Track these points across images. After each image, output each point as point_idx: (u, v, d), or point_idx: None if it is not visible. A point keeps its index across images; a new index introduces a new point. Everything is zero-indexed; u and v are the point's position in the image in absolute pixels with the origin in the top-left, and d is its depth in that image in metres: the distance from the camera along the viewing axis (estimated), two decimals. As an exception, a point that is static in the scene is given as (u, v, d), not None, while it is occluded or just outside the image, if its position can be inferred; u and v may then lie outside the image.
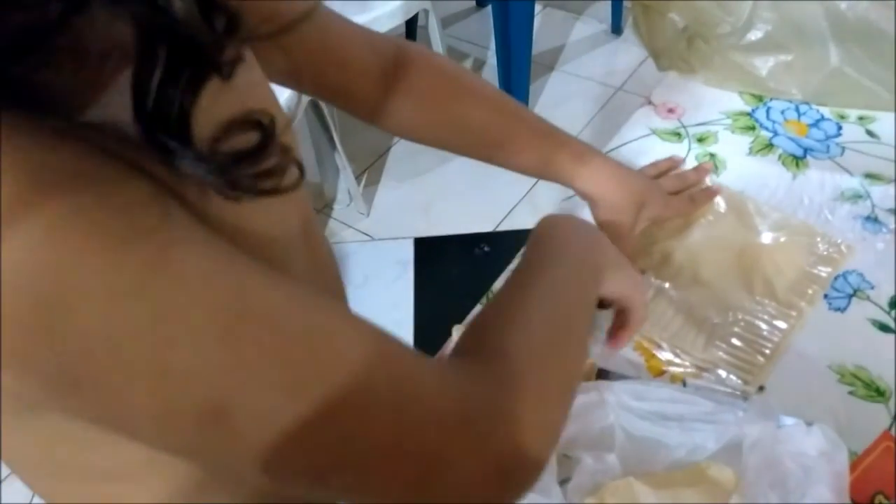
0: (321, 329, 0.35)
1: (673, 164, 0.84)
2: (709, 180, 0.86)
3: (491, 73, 2.31)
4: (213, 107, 0.31)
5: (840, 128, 0.91)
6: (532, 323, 0.46)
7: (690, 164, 0.89)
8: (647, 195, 0.73)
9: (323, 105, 1.73)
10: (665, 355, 0.71)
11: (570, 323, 0.49)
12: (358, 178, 2.08)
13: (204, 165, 0.31)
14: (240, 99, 0.34)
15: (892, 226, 0.79)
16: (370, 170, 2.14)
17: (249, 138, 0.33)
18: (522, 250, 0.57)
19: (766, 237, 0.80)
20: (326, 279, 0.57)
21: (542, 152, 0.71)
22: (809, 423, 0.59)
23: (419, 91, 0.68)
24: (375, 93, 0.67)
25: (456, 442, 0.37)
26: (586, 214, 0.75)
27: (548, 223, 0.58)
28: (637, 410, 0.63)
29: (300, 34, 0.55)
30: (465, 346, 0.46)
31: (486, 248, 1.91)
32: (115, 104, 0.31)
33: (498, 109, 0.71)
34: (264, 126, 0.33)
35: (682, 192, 0.81)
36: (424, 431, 0.36)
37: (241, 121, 0.32)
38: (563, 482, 0.60)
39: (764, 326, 0.72)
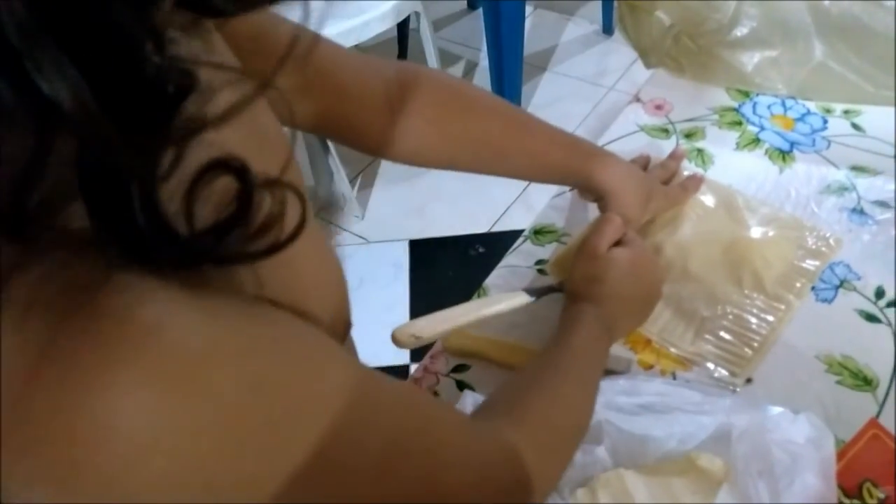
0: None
1: (646, 159, 0.84)
2: (687, 171, 0.87)
3: (483, 75, 2.32)
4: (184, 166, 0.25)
5: (826, 122, 0.92)
6: (557, 398, 0.55)
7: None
8: (652, 189, 0.76)
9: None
10: (654, 348, 0.72)
11: (586, 394, 0.58)
12: (352, 181, 2.09)
13: (186, 252, 0.26)
14: (210, 149, 0.28)
15: (878, 217, 0.80)
16: (364, 173, 2.15)
17: (227, 189, 0.27)
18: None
19: (756, 231, 0.80)
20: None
21: (556, 156, 0.72)
22: (796, 412, 0.60)
23: (426, 110, 0.67)
24: (382, 121, 0.65)
25: (499, 495, 0.42)
26: (581, 209, 0.76)
27: (571, 314, 0.64)
28: (626, 406, 0.63)
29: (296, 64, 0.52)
30: (497, 409, 0.53)
31: (480, 249, 1.92)
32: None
33: (507, 119, 0.71)
34: (240, 172, 0.26)
35: (671, 181, 0.82)
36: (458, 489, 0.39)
37: (207, 172, 0.26)
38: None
39: (752, 320, 0.73)
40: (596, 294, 0.65)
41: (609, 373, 0.67)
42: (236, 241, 0.27)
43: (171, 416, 0.24)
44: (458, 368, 0.74)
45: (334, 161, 1.88)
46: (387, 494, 0.34)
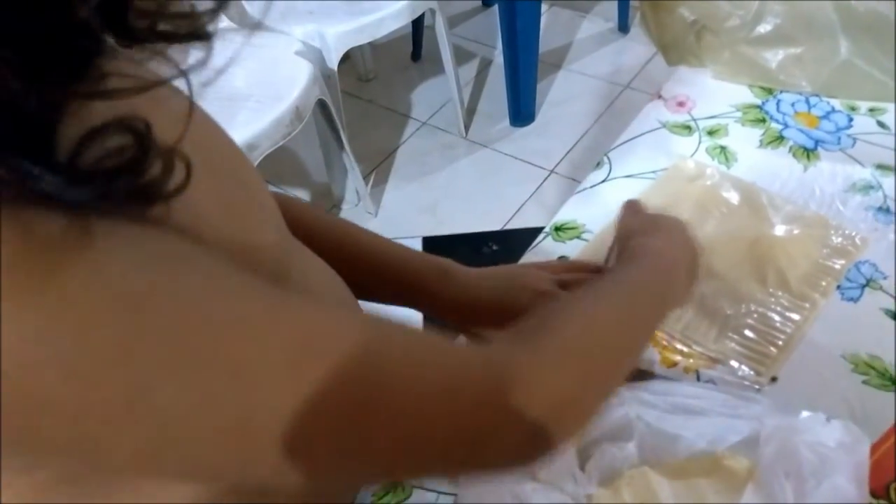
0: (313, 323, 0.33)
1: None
2: (710, 168, 0.86)
3: (498, 73, 2.32)
4: (90, 117, 0.28)
5: (851, 119, 0.91)
6: (595, 315, 0.46)
7: (701, 155, 0.89)
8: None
9: (331, 105, 1.73)
10: (677, 347, 0.71)
11: (632, 330, 0.49)
12: (366, 178, 2.09)
13: (73, 188, 0.27)
14: (122, 107, 0.30)
15: (905, 216, 0.79)
16: (378, 170, 2.15)
17: (123, 145, 0.29)
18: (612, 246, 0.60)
19: (780, 229, 0.80)
20: (328, 282, 0.54)
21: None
22: (820, 411, 0.59)
23: None
24: None
25: (481, 413, 0.37)
26: (603, 205, 0.75)
27: (644, 231, 0.58)
28: (658, 404, 0.62)
29: None
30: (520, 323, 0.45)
31: (494, 247, 1.90)
32: None
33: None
34: (139, 132, 0.29)
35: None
36: (447, 406, 0.36)
37: (109, 127, 0.28)
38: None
39: (777, 318, 0.72)
40: (651, 241, 0.58)
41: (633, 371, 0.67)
42: (124, 189, 0.29)
43: (57, 335, 0.26)
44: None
45: (348, 158, 1.87)
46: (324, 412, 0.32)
